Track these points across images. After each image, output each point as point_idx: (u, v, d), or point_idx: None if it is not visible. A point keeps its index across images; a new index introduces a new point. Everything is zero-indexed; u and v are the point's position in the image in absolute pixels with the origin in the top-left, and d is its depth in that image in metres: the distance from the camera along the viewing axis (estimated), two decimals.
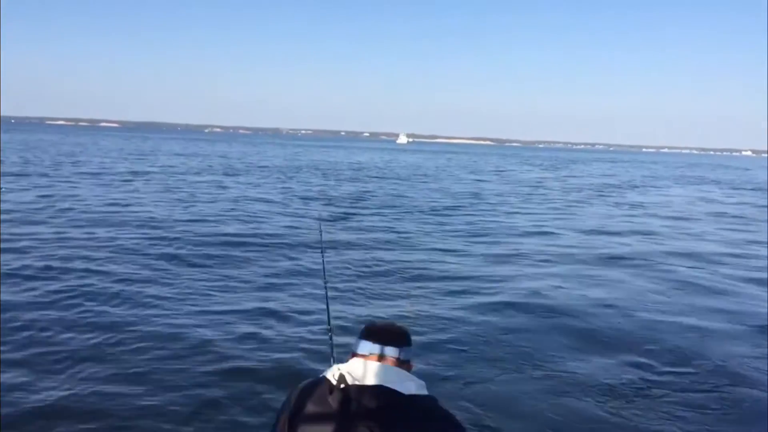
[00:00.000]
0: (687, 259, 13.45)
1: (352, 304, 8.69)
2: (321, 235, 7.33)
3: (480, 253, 13.33)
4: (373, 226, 16.54)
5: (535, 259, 12.72)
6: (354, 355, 2.14)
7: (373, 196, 25.54)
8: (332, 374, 2.01)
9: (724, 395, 6.05)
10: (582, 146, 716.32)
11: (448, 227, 17.34)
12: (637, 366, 6.72)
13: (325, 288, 3.50)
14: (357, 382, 1.95)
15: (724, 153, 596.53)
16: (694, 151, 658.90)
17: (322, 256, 4.05)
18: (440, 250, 13.50)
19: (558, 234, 16.74)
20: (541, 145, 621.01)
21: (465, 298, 9.35)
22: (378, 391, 1.92)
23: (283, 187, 27.69)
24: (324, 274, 3.64)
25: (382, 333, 2.13)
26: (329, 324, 3.17)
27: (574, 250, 13.93)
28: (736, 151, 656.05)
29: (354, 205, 21.74)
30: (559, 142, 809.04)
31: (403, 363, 2.09)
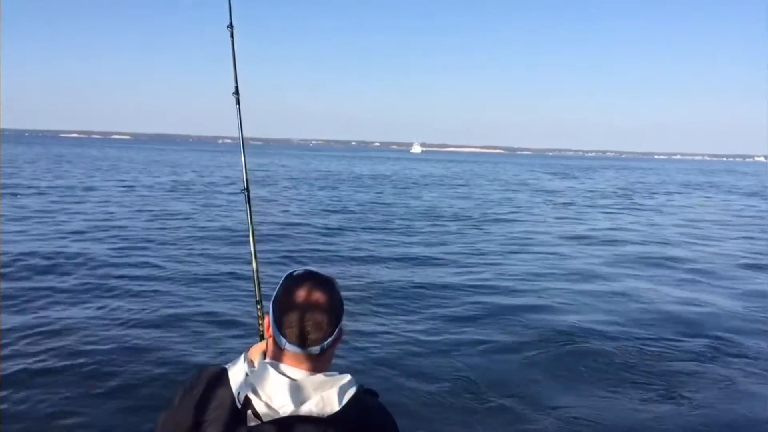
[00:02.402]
0: None
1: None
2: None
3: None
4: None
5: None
6: (267, 331, 1.71)
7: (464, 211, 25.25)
8: (237, 386, 1.59)
9: None
10: (593, 153, 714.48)
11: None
12: None
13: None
14: (264, 407, 1.53)
15: (737, 159, 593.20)
16: (706, 158, 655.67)
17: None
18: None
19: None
20: (551, 153, 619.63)
21: None
22: (292, 426, 1.53)
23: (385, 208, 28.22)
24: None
25: (300, 324, 1.62)
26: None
27: None
28: (749, 156, 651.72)
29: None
30: (569, 150, 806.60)
31: (326, 351, 1.66)
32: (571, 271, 12.39)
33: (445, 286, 10.65)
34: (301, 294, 1.64)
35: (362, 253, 13.83)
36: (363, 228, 18.25)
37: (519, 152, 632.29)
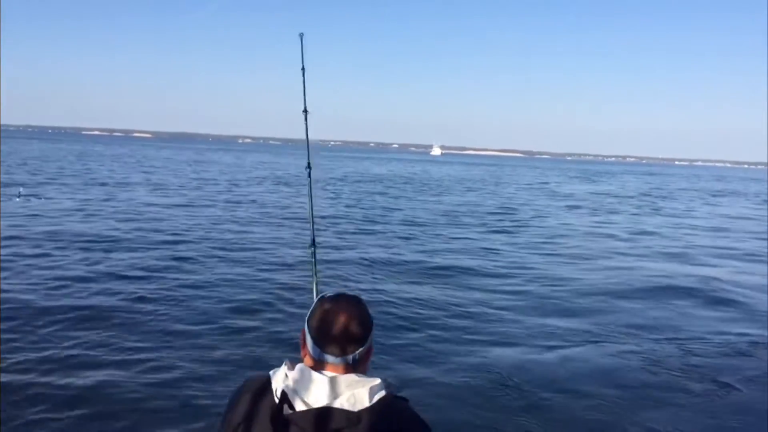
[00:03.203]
0: None
1: None
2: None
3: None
4: None
5: None
6: (303, 346, 1.91)
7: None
8: (276, 385, 1.78)
9: None
10: (613, 159, 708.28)
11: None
12: None
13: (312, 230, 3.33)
14: (300, 402, 1.72)
15: (759, 166, 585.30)
16: (728, 164, 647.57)
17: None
18: None
19: None
20: (569, 158, 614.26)
21: None
22: (323, 416, 1.70)
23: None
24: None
25: (333, 338, 1.82)
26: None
27: None
28: None
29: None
30: (589, 155, 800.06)
31: (358, 363, 1.84)
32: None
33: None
34: (333, 310, 1.84)
35: (456, 245, 15.02)
36: (454, 224, 19.39)
37: (537, 156, 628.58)
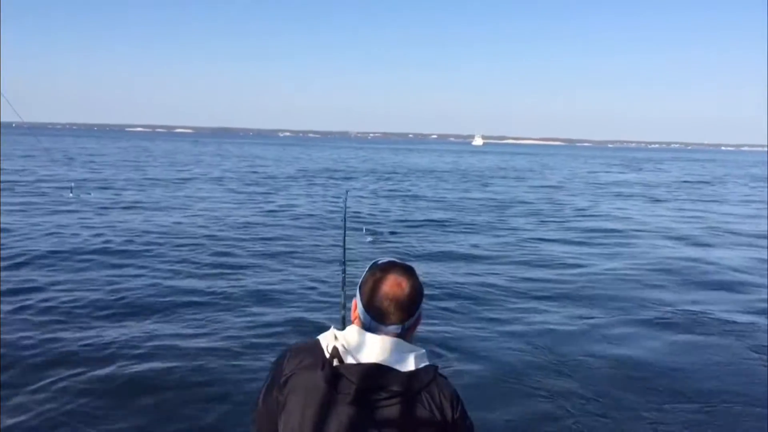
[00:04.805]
0: None
1: None
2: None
3: None
4: None
5: None
6: (354, 311, 1.96)
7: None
8: (326, 343, 1.84)
9: None
10: (656, 145, 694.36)
11: None
12: None
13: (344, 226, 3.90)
14: (351, 358, 1.79)
15: None
16: None
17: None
18: None
19: None
20: (611, 145, 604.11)
21: None
22: (372, 371, 1.76)
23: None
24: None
25: (384, 305, 1.84)
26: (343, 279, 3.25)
27: None
28: None
29: None
30: (632, 142, 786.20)
31: (406, 331, 1.88)
32: None
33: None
34: (384, 279, 1.87)
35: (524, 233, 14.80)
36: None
37: (579, 144, 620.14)
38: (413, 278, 1.90)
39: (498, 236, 15.80)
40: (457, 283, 10.22)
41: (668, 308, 9.15)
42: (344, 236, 3.84)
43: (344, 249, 3.58)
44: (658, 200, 28.19)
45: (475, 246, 14.13)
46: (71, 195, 20.69)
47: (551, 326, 8.08)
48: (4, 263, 10.40)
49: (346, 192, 5.43)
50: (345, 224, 4.05)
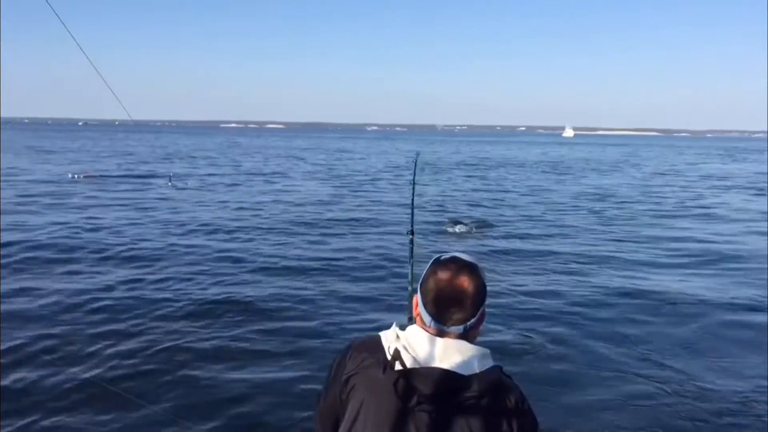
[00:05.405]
0: None
1: None
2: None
3: None
4: None
5: None
6: (415, 309, 1.88)
7: None
8: (388, 343, 1.79)
9: None
10: (761, 134, 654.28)
11: None
12: None
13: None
14: (412, 360, 1.72)
15: None
16: None
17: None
18: None
19: None
20: (709, 135, 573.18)
21: None
22: (434, 374, 1.71)
23: None
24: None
25: (446, 304, 1.77)
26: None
27: None
28: None
29: None
30: (733, 131, 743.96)
31: (469, 331, 1.80)
32: None
33: None
34: (446, 277, 1.78)
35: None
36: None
37: (676, 134, 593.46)
38: (476, 275, 1.81)
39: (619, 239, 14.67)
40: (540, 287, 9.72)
41: None
42: (412, 213, 3.82)
43: (412, 233, 3.51)
44: None
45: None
46: (170, 184, 22.43)
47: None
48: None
49: (417, 155, 5.20)
50: (413, 195, 4.10)
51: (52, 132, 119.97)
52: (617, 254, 12.22)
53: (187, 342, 6.70)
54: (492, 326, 7.16)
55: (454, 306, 1.76)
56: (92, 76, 4.82)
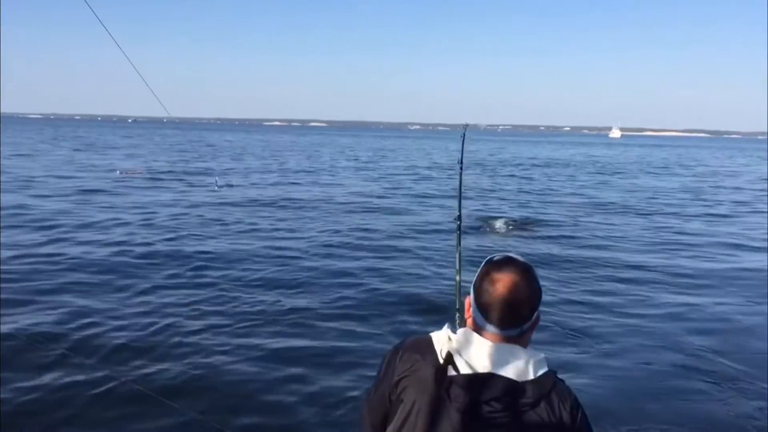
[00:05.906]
0: None
1: None
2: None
3: None
4: None
5: None
6: (468, 310, 1.83)
7: None
8: (440, 345, 1.74)
9: None
10: None
11: None
12: None
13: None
14: (464, 365, 1.68)
15: None
16: None
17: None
18: None
19: None
20: (761, 137, 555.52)
21: None
22: (488, 381, 1.66)
23: None
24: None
25: (499, 307, 1.71)
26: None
27: None
28: None
29: None
30: None
31: (523, 335, 1.75)
32: None
33: None
34: (500, 279, 1.72)
35: None
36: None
37: (726, 136, 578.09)
38: (531, 277, 1.75)
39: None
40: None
41: None
42: (459, 197, 4.07)
43: (459, 219, 3.83)
44: None
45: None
46: (216, 187, 22.38)
47: None
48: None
49: (465, 128, 4.77)
50: (461, 179, 4.30)
51: (135, 128, 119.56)
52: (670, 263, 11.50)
53: (235, 347, 6.52)
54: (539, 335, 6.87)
55: (509, 309, 1.71)
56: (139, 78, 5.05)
